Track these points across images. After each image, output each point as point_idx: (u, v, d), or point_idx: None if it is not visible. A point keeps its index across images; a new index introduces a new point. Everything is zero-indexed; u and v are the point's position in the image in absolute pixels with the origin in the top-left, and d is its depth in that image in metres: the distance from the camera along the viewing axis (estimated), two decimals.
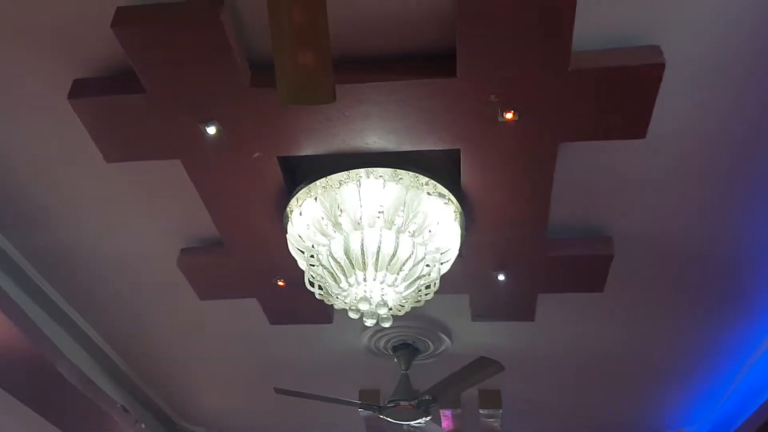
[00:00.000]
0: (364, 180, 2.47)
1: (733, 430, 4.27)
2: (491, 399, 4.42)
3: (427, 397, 3.72)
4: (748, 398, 4.07)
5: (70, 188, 2.89)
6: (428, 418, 3.86)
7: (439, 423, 4.47)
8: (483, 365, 3.47)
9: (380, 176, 2.47)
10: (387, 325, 2.65)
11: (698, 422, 4.72)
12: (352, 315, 2.60)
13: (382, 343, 3.93)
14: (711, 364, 4.08)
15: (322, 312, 3.42)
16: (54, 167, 2.77)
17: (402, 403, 3.75)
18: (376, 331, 3.80)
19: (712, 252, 3.14)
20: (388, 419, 3.90)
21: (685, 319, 3.66)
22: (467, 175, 2.56)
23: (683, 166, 2.67)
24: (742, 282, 3.34)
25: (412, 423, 3.90)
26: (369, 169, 2.46)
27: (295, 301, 3.30)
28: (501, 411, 4.53)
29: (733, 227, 2.98)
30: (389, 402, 3.80)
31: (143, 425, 4.60)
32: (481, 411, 4.51)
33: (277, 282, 3.19)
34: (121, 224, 3.08)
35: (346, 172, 2.46)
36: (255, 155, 2.47)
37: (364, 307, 2.48)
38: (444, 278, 2.76)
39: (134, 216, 3.03)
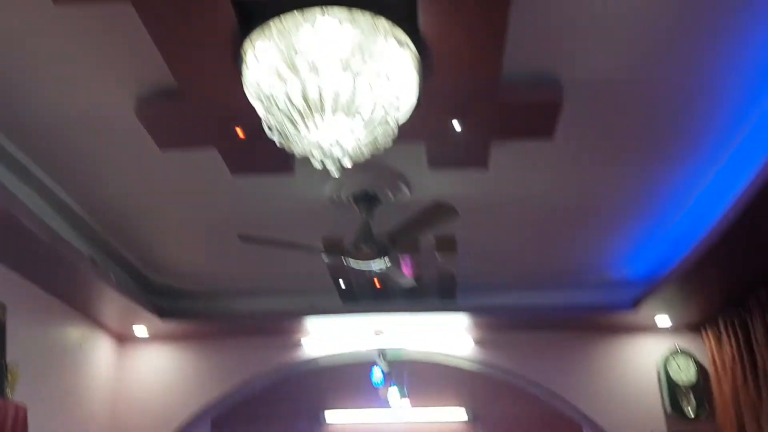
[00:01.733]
0: (319, 19, 2.44)
1: (668, 270, 4.63)
2: (447, 244, 4.64)
3: (385, 240, 3.89)
4: (683, 240, 4.37)
5: (20, 43, 2.80)
6: (387, 262, 4.07)
7: (399, 268, 4.69)
8: (437, 208, 3.64)
9: (336, 16, 2.45)
10: (336, 175, 2.75)
11: (638, 264, 5.08)
12: (315, 164, 2.65)
13: (343, 193, 4.05)
14: (654, 209, 4.32)
15: (283, 161, 3.48)
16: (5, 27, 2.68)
17: (362, 245, 3.91)
18: (337, 181, 3.89)
19: (656, 98, 3.23)
20: (350, 263, 4.09)
21: (630, 165, 3.82)
22: (425, 18, 2.54)
23: (631, 11, 2.69)
24: (685, 128, 3.47)
25: (373, 266, 4.10)
26: (324, 7, 2.42)
27: (254, 150, 3.35)
28: (456, 255, 4.78)
29: (679, 73, 3.07)
30: (350, 245, 3.97)
31: (112, 275, 4.75)
32: (437, 254, 4.75)
33: (236, 129, 3.20)
34: (77, 78, 3.03)
35: (300, 10, 2.43)
36: None
37: (325, 145, 2.54)
38: (400, 126, 2.82)
39: (89, 68, 2.96)
